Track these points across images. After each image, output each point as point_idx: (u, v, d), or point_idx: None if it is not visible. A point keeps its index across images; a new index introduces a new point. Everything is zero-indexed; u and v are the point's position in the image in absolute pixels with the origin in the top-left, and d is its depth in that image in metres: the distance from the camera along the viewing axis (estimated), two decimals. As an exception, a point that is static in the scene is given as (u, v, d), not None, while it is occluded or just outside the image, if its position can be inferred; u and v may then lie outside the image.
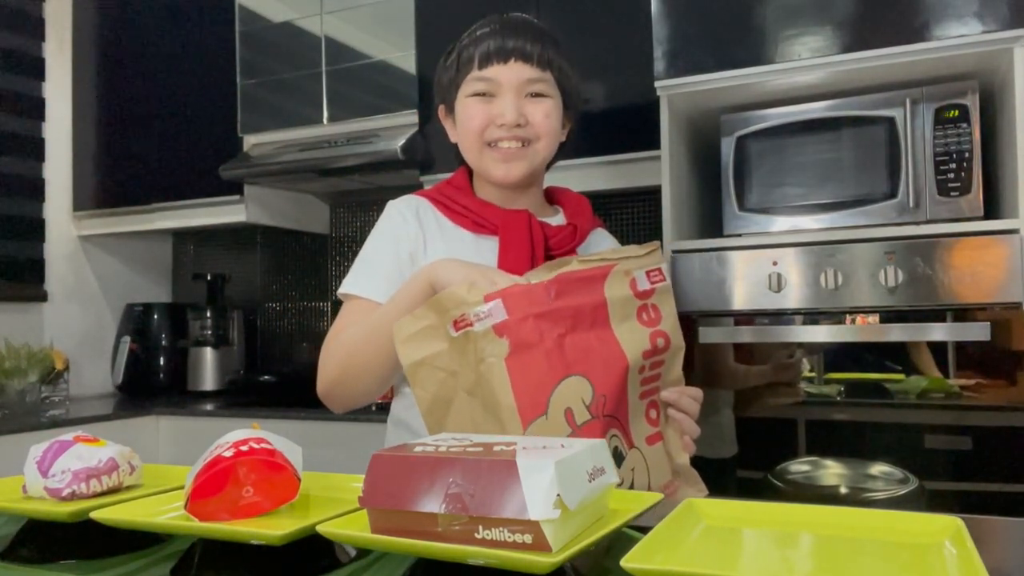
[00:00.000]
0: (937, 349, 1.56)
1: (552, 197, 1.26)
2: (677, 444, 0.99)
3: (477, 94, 1.12)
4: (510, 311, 0.85)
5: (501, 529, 0.53)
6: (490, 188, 1.17)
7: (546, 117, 1.11)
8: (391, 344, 0.89)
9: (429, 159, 2.36)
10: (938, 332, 1.54)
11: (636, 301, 0.93)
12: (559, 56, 1.13)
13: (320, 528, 0.59)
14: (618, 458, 0.89)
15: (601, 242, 1.24)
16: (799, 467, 1.65)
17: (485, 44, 1.11)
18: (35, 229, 2.87)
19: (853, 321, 1.61)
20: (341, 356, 1.05)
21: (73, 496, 0.73)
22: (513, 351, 0.85)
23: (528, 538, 0.53)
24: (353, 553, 0.69)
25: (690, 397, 1.00)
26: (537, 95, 1.12)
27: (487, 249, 1.11)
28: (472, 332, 0.85)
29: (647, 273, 0.95)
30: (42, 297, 2.85)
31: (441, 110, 1.21)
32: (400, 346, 0.89)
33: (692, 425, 1.01)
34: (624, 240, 2.54)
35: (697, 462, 1.04)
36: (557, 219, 1.19)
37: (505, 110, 1.09)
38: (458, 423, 0.89)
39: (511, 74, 1.10)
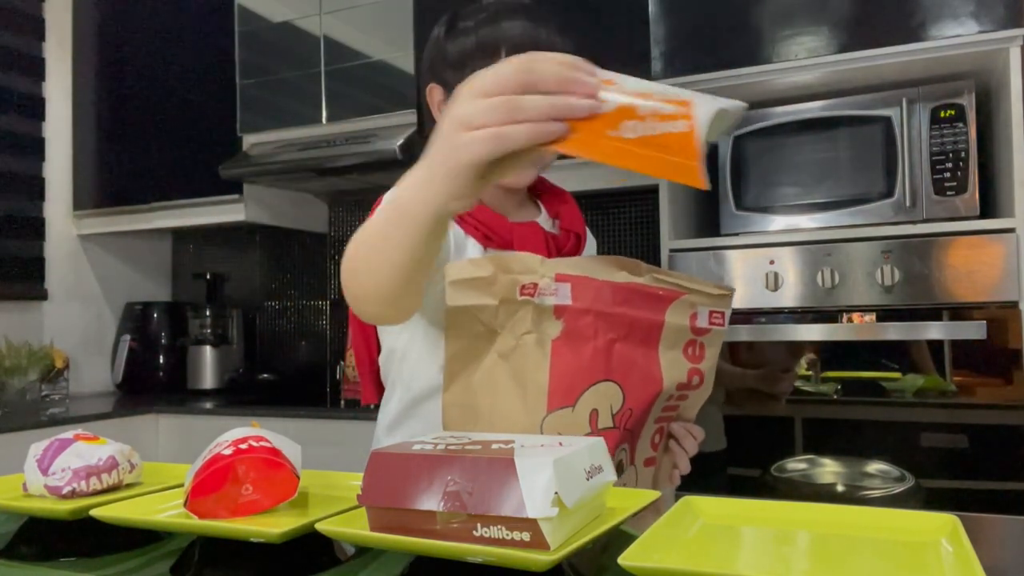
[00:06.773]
0: (934, 348, 1.56)
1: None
2: (667, 474, 1.02)
3: None
4: (575, 299, 0.87)
5: (499, 527, 0.54)
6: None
7: None
8: (402, 232, 0.75)
9: (428, 158, 2.36)
10: (935, 331, 1.54)
11: (689, 335, 0.94)
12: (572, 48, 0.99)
13: (319, 526, 0.59)
14: (619, 471, 0.91)
15: (590, 243, 1.23)
16: (796, 465, 1.66)
17: (512, 28, 0.98)
18: (35, 228, 2.87)
19: (850, 320, 1.62)
20: (353, 247, 0.85)
21: (73, 494, 0.73)
22: (564, 336, 0.87)
23: (526, 536, 0.53)
24: (352, 551, 0.69)
25: (693, 437, 1.02)
26: None
27: None
28: (532, 303, 0.87)
29: (710, 312, 0.96)
30: (42, 296, 2.85)
31: (434, 90, 1.06)
32: (449, 286, 0.89)
33: (687, 463, 1.03)
34: (621, 240, 2.56)
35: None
36: (542, 215, 1.14)
37: None
38: (482, 380, 0.90)
39: None
